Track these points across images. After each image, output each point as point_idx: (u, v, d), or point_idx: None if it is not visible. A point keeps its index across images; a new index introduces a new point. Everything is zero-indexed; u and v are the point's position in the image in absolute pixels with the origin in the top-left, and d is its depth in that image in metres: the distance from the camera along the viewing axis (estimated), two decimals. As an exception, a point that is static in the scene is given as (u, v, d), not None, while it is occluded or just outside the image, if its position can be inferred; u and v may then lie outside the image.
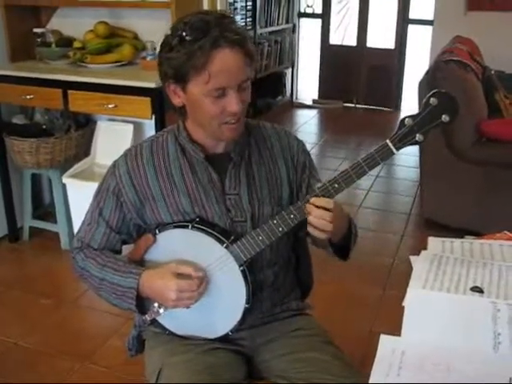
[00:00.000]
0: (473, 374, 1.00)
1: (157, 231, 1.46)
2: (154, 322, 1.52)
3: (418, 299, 1.25)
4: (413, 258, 1.47)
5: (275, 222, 1.37)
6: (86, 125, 3.53)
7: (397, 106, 7.11)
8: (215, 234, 1.42)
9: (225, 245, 1.41)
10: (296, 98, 7.57)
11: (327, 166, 5.20)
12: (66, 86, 3.10)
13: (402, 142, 1.29)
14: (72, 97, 3.09)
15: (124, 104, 2.98)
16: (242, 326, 1.50)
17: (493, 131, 3.50)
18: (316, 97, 7.50)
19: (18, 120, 3.52)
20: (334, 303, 2.99)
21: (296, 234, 1.62)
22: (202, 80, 1.33)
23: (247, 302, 1.44)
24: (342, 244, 1.49)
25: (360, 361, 2.21)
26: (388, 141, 1.29)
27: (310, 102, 7.44)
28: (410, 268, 1.45)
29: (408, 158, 5.25)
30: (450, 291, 1.27)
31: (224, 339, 1.51)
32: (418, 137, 1.28)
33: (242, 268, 1.41)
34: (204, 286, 1.41)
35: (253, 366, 1.55)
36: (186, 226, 1.43)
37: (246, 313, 1.46)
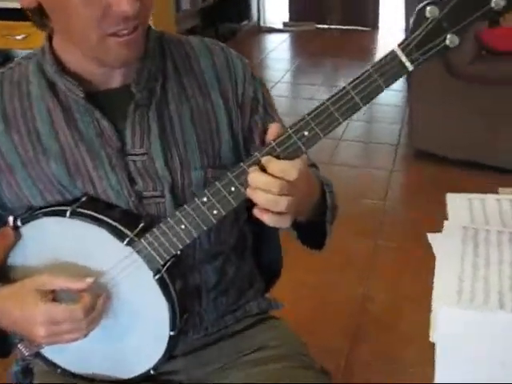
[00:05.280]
0: None
1: (18, 222, 0.90)
2: (38, 355, 0.98)
3: (455, 329, 0.71)
4: (432, 237, 0.93)
5: (205, 200, 0.81)
6: (2, 64, 2.89)
7: (374, 25, 6.54)
8: (110, 222, 0.86)
9: (127, 240, 0.85)
10: (264, 22, 6.90)
11: (301, 94, 4.61)
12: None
13: (422, 49, 0.71)
14: (-29, 28, 2.46)
15: (37, 33, 2.34)
16: (173, 354, 0.97)
17: (495, 42, 2.94)
18: (286, 19, 6.85)
19: None
20: (315, 263, 2.47)
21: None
22: None
23: (172, 328, 0.90)
24: (314, 221, 0.95)
25: (354, 333, 2.06)
26: (397, 48, 0.71)
27: (279, 26, 6.79)
28: (426, 250, 0.92)
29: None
30: (507, 307, 0.74)
31: (145, 379, 0.98)
32: (450, 39, 0.71)
33: (158, 276, 0.86)
34: (99, 308, 0.87)
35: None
36: (62, 213, 0.87)
37: (175, 339, 0.93)
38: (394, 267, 2.44)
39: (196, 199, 0.81)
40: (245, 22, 6.43)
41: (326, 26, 6.67)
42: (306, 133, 0.73)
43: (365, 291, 2.29)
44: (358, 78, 0.71)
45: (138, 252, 0.85)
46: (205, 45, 1.00)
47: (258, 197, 0.77)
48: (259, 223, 1.18)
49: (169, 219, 0.83)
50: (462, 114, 3.05)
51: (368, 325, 2.16)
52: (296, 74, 5.25)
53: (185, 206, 0.82)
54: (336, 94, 0.72)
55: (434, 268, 2.51)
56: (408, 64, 0.70)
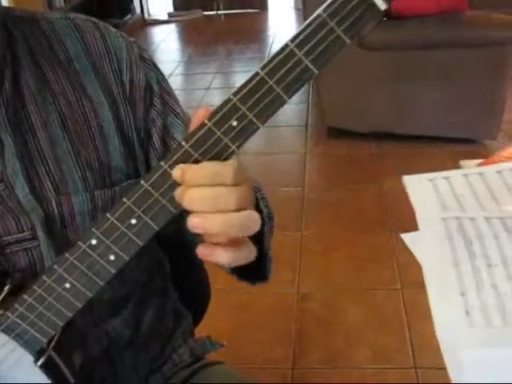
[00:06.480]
0: None
1: None
2: None
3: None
4: (409, 239, 0.70)
5: (94, 242, 0.53)
6: None
7: (263, 6, 6.44)
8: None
9: (-14, 315, 0.57)
10: (148, 15, 6.62)
11: (197, 85, 4.32)
12: None
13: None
14: None
15: None
16: None
17: (396, 7, 2.83)
18: (171, 9, 6.62)
19: None
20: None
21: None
22: None
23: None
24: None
25: (295, 337, 1.88)
26: None
27: (165, 17, 6.53)
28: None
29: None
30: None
31: None
32: None
33: (42, 360, 0.59)
34: None
35: None
36: None
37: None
38: (324, 257, 2.24)
39: (80, 243, 0.54)
40: (128, 17, 6.08)
41: (213, 13, 6.46)
42: (234, 123, 0.47)
43: (300, 289, 2.09)
44: (303, 32, 0.45)
45: (6, 331, 0.58)
46: (70, 21, 0.73)
47: (214, 222, 0.49)
48: (176, 243, 0.94)
49: (44, 277, 0.56)
50: (371, 85, 2.91)
51: (309, 326, 1.97)
52: (188, 64, 4.99)
53: (66, 255, 0.54)
54: (273, 58, 0.46)
55: (367, 250, 2.27)
56: (380, 1, 0.45)
